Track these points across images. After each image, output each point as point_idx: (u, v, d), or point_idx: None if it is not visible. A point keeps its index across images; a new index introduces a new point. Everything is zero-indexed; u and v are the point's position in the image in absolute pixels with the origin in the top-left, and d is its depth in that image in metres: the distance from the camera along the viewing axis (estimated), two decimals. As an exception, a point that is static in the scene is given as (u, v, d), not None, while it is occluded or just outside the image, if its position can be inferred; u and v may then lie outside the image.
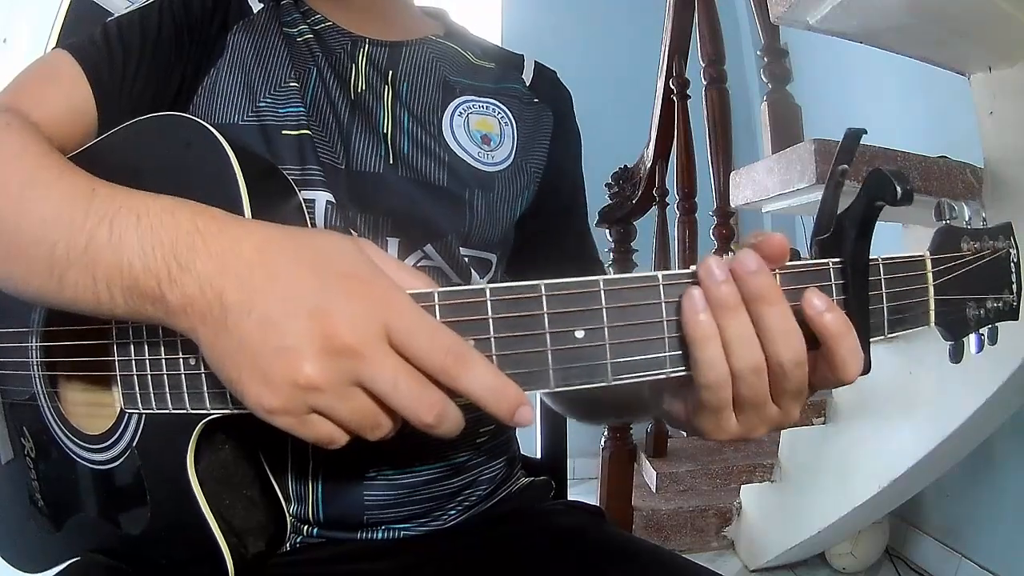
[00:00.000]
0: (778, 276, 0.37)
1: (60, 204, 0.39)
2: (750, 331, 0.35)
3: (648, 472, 1.86)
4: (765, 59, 1.63)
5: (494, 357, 0.35)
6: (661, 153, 1.96)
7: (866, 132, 0.39)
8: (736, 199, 1.49)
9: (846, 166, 0.39)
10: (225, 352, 0.34)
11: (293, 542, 0.58)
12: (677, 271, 0.37)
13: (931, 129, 1.78)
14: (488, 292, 0.35)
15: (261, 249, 0.35)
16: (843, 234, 0.38)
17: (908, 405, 1.35)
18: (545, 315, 0.35)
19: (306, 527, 0.58)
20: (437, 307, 0.36)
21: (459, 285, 0.38)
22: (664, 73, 1.93)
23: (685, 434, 1.90)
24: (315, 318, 0.33)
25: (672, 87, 1.88)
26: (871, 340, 0.38)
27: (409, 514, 0.59)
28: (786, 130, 1.57)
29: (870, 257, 0.38)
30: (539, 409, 0.85)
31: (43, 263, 0.38)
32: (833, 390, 1.56)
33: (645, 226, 2.04)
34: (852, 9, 1.07)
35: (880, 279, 0.39)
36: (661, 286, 0.36)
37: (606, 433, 1.81)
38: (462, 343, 0.34)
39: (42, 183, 0.40)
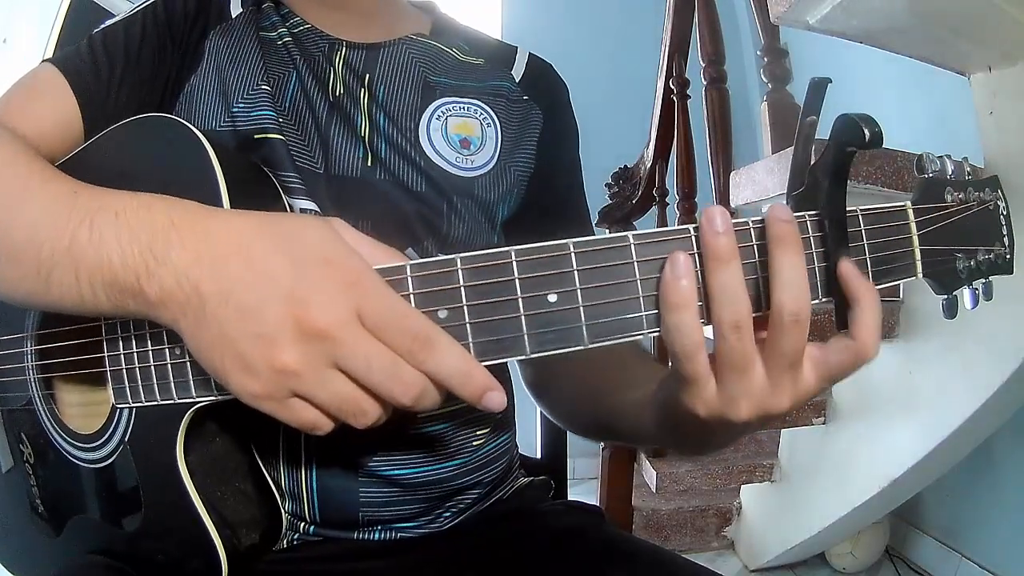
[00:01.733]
0: (753, 231, 0.36)
1: (46, 208, 0.39)
2: (738, 285, 0.34)
3: (648, 472, 1.86)
4: (765, 59, 1.63)
5: (468, 326, 0.35)
6: (661, 153, 1.96)
7: (831, 81, 0.38)
8: (736, 199, 1.49)
9: (814, 117, 0.38)
10: (207, 341, 0.35)
11: (290, 539, 0.58)
12: (648, 231, 0.36)
13: (931, 129, 1.78)
14: (459, 262, 0.35)
15: (235, 238, 0.35)
16: (817, 186, 0.37)
17: (908, 405, 1.34)
18: (516, 281, 0.35)
19: (303, 524, 0.58)
20: (409, 279, 0.36)
21: None
22: (664, 73, 1.92)
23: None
24: (289, 304, 0.33)
25: (672, 87, 1.88)
26: None
27: (405, 514, 0.59)
28: (786, 130, 1.57)
29: (847, 208, 0.37)
30: (539, 410, 0.85)
31: (31, 266, 0.39)
32: (833, 390, 1.56)
33: (645, 226, 2.03)
34: (852, 9, 1.07)
35: (860, 230, 0.38)
36: (632, 246, 0.36)
37: (606, 433, 1.81)
38: (430, 327, 0.34)
39: (30, 189, 0.41)
